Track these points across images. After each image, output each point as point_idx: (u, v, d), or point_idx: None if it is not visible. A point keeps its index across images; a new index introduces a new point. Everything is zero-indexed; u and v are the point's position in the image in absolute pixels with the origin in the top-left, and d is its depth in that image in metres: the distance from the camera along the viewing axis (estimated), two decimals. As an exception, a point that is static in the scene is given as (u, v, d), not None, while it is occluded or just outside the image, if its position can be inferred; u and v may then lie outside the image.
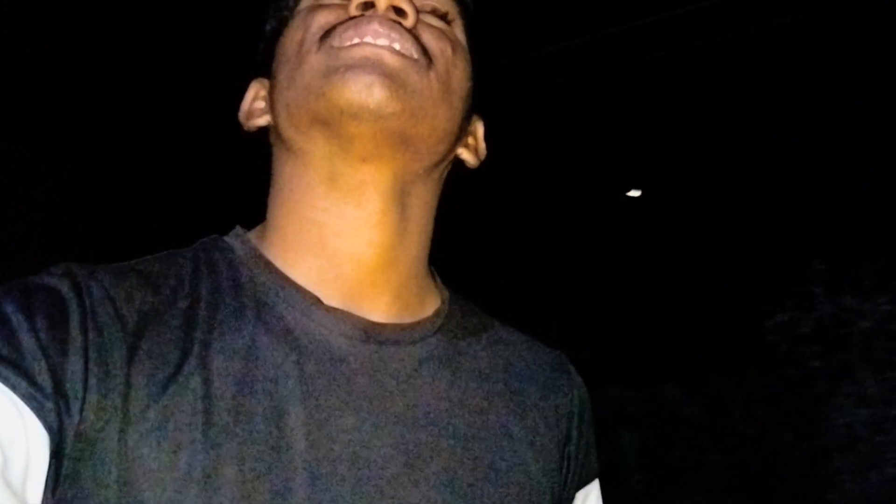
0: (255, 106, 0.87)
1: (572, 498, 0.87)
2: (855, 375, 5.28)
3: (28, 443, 0.62)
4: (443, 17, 0.83)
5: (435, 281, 0.88)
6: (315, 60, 0.76)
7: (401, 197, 0.79)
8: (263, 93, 0.87)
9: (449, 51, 0.80)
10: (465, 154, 0.87)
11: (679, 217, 6.97)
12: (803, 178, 5.98)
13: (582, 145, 6.88)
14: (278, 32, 0.84)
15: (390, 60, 0.74)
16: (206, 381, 0.69)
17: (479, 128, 0.91)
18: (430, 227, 0.84)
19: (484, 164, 0.89)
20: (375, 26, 0.75)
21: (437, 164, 0.82)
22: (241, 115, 0.88)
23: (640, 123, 6.44)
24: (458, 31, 0.84)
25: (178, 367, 0.69)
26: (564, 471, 0.85)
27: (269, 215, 0.83)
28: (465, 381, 0.81)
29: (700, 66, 5.79)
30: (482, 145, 0.90)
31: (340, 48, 0.75)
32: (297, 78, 0.77)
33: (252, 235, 0.84)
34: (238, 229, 0.84)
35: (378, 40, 0.75)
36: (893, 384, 5.21)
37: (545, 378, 0.87)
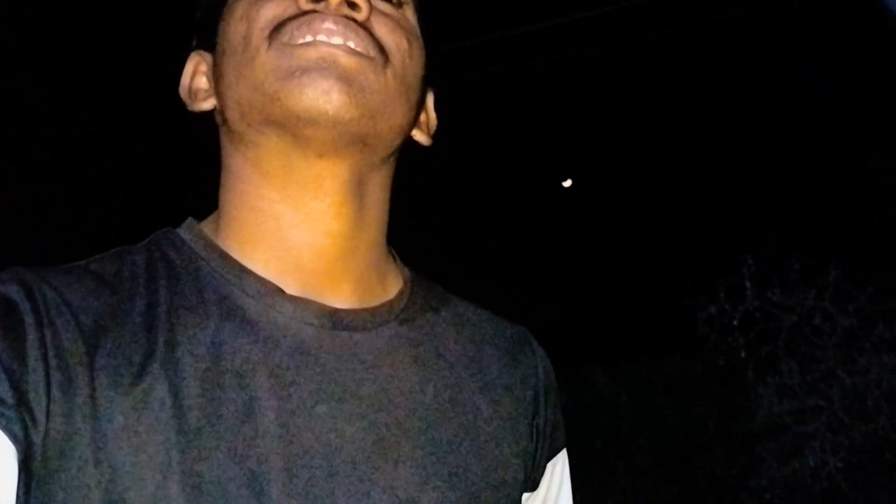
0: (197, 84, 0.84)
1: (543, 469, 0.87)
2: (780, 367, 5.45)
3: None
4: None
5: (395, 262, 0.87)
6: (267, 59, 0.73)
7: (358, 187, 0.77)
8: (204, 68, 0.83)
9: (404, 43, 0.77)
10: (418, 136, 0.86)
11: (613, 205, 7.07)
12: (738, 174, 6.12)
13: (515, 133, 6.89)
14: (219, 7, 0.81)
15: (346, 61, 0.72)
16: (174, 380, 0.68)
17: (430, 100, 0.89)
18: (386, 211, 0.83)
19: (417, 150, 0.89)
20: (329, 24, 0.72)
21: (392, 153, 0.81)
22: (183, 91, 0.84)
23: (573, 112, 6.48)
24: (410, 13, 0.82)
25: (144, 368, 0.68)
26: (535, 444, 0.85)
27: (221, 205, 0.81)
28: (432, 360, 0.80)
29: (633, 57, 5.84)
30: (433, 117, 0.89)
31: (293, 46, 0.72)
32: (248, 74, 0.74)
33: (205, 227, 0.81)
34: (190, 221, 0.82)
35: (332, 39, 0.72)
36: (816, 376, 5.41)
37: (510, 353, 0.87)
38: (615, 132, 6.63)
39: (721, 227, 5.97)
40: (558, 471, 0.90)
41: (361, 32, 0.74)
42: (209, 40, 0.81)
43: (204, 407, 0.68)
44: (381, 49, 0.75)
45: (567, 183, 7.43)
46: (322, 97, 0.70)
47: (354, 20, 0.74)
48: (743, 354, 5.50)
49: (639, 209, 6.78)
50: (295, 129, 0.72)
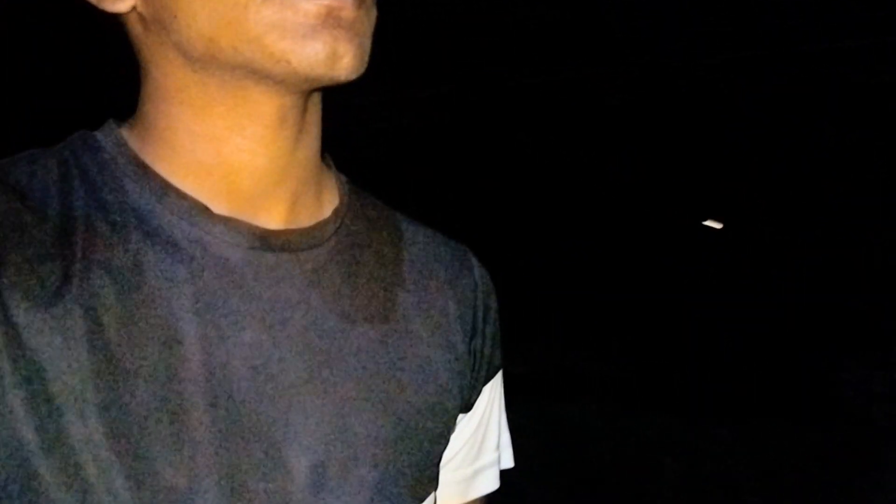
0: None
1: (480, 392, 0.85)
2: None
3: None
4: None
5: (331, 171, 0.81)
6: (264, 10, 0.64)
7: (304, 108, 0.73)
8: None
9: None
10: None
11: (771, 255, 6.89)
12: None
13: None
14: None
15: (351, 15, 0.66)
16: (92, 302, 0.63)
17: None
18: (320, 116, 0.77)
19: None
20: None
21: None
22: None
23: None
24: None
25: (60, 287, 0.63)
26: (472, 366, 0.83)
27: (145, 116, 0.72)
28: (367, 282, 0.77)
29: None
30: None
31: None
32: (234, 21, 0.65)
33: (126, 133, 0.73)
34: (111, 125, 0.73)
35: None
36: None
37: (449, 272, 0.84)
38: (781, 176, 6.46)
39: (889, 293, 5.73)
40: (495, 392, 0.88)
41: None
42: None
43: (123, 331, 0.64)
44: None
45: (717, 225, 7.30)
46: (337, 62, 0.65)
47: None
48: (885, 423, 5.23)
49: (804, 265, 6.57)
50: (290, 83, 0.67)
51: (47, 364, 0.61)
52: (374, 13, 0.70)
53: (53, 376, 0.61)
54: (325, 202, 0.78)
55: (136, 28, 0.71)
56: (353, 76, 0.67)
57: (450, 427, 0.81)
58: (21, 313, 0.61)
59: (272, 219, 0.73)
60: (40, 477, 0.60)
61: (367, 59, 0.68)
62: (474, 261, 0.89)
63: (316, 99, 0.75)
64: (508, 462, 0.93)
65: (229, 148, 0.70)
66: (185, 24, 0.66)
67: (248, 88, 0.68)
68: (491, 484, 0.90)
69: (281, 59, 0.65)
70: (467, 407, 0.84)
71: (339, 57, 0.65)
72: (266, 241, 0.71)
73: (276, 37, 0.65)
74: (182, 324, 0.66)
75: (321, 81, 0.67)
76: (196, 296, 0.67)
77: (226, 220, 0.70)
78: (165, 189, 0.70)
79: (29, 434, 0.60)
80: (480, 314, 0.85)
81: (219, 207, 0.71)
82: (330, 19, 0.65)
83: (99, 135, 0.72)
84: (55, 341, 0.62)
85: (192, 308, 0.67)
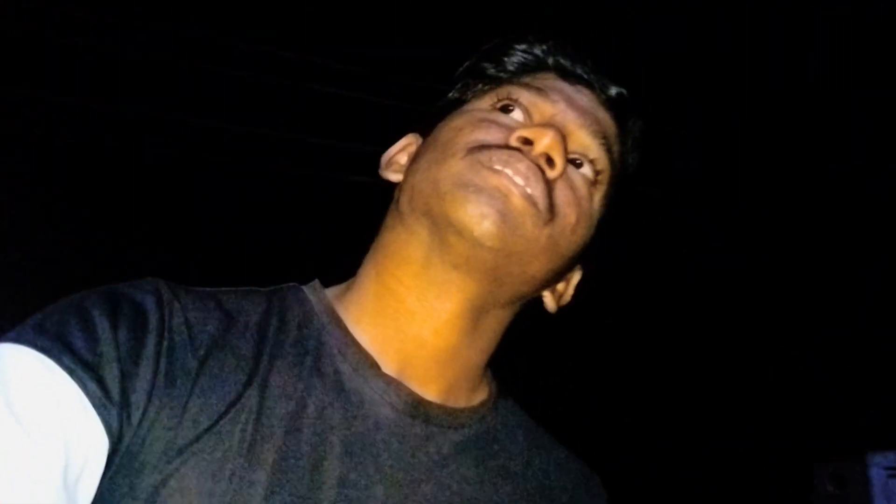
0: (398, 158, 0.93)
1: None
2: None
3: (88, 444, 0.66)
4: (593, 168, 0.85)
5: (488, 377, 0.91)
6: (456, 165, 0.79)
7: (478, 310, 0.82)
8: (411, 149, 0.92)
9: (573, 218, 0.82)
10: (547, 298, 0.90)
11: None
12: None
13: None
14: (448, 110, 0.90)
15: (515, 202, 0.77)
16: (258, 418, 0.72)
17: (576, 277, 0.93)
18: (494, 345, 0.88)
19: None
20: (523, 167, 0.78)
21: (518, 299, 0.86)
22: (384, 158, 0.93)
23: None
24: (598, 197, 0.86)
25: (236, 400, 0.73)
26: None
27: (358, 273, 0.87)
28: (494, 476, 0.83)
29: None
30: (570, 293, 0.93)
31: (482, 165, 0.78)
32: (434, 171, 0.80)
33: (330, 291, 0.88)
34: (316, 283, 0.88)
35: (516, 177, 0.77)
36: None
37: (573, 494, 0.90)
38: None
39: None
40: None
41: (543, 186, 0.79)
42: (426, 130, 0.90)
43: (277, 451, 0.72)
44: (551, 208, 0.80)
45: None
46: (476, 219, 0.75)
47: (544, 174, 0.79)
48: None
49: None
50: (443, 231, 0.78)
51: (197, 463, 0.69)
52: (543, 231, 0.79)
53: (196, 476, 0.69)
54: (476, 396, 0.88)
55: (396, 196, 0.87)
56: (486, 240, 0.76)
57: None
58: (196, 420, 0.71)
59: (428, 390, 0.82)
60: None
61: (511, 243, 0.77)
62: (601, 491, 0.95)
63: (490, 318, 0.84)
64: None
65: (406, 308, 0.82)
66: (408, 179, 0.84)
67: (430, 252, 0.80)
68: None
69: (441, 199, 0.77)
70: None
71: (482, 216, 0.75)
72: (418, 409, 0.80)
73: (450, 182, 0.78)
74: (327, 459, 0.74)
75: (459, 228, 0.76)
76: (345, 439, 0.75)
77: (389, 380, 0.80)
78: (347, 340, 0.81)
79: None
80: None
81: (387, 365, 0.81)
82: (497, 192, 0.76)
83: (305, 287, 0.88)
84: (217, 443, 0.70)
85: (339, 448, 0.75)
